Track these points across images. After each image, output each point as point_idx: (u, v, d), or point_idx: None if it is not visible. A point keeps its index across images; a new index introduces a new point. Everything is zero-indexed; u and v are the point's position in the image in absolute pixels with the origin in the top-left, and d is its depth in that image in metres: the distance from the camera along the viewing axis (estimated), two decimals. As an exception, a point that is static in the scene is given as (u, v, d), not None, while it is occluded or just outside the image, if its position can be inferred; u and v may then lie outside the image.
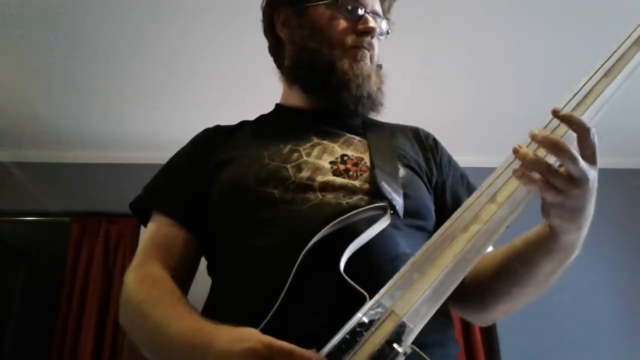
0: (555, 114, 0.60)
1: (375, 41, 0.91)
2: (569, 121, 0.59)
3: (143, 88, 2.46)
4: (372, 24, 0.88)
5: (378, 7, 0.92)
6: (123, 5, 1.96)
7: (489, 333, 2.74)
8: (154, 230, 0.84)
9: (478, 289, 0.81)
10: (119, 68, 2.31)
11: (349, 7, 0.88)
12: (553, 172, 0.58)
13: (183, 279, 0.80)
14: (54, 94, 2.48)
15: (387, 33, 0.95)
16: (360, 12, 0.88)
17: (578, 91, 0.63)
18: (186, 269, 0.82)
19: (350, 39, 0.87)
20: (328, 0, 0.88)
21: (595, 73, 0.64)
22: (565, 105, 0.63)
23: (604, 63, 0.64)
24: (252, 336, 0.57)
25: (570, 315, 2.77)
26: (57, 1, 1.92)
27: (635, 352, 2.72)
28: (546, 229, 0.68)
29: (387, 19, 0.95)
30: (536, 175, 0.58)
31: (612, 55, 0.65)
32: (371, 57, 0.90)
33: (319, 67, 0.87)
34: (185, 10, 1.99)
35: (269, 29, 0.96)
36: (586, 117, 0.61)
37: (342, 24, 0.88)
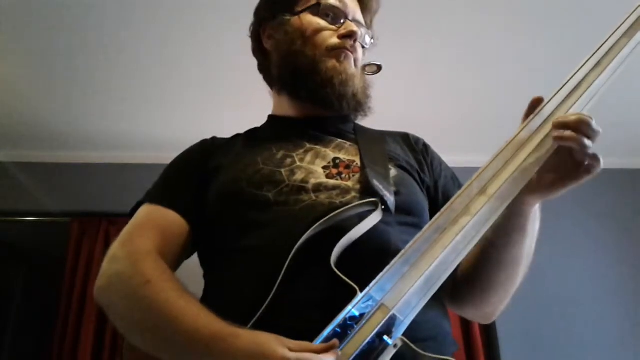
0: (555, 123, 0.63)
1: (358, 46, 0.93)
2: (567, 125, 0.62)
3: (143, 88, 2.46)
4: (353, 28, 0.90)
5: (360, 17, 0.95)
6: (124, 6, 1.96)
7: (489, 333, 2.74)
8: (149, 212, 0.82)
9: (468, 286, 0.82)
10: (120, 68, 2.31)
11: (331, 14, 0.91)
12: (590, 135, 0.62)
13: (172, 265, 0.78)
14: (55, 94, 2.48)
15: (371, 43, 0.97)
16: (342, 20, 0.91)
17: (566, 83, 0.66)
18: (177, 255, 0.81)
19: (332, 41, 0.89)
20: (310, 7, 0.91)
21: (585, 64, 0.65)
22: (554, 96, 0.65)
23: (594, 54, 0.65)
24: (271, 350, 0.56)
25: (571, 315, 2.76)
26: (58, 2, 1.92)
27: (636, 352, 2.72)
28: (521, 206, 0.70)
29: (368, 28, 0.97)
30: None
31: (601, 46, 0.66)
32: (355, 61, 0.92)
33: (303, 67, 0.88)
34: (187, 11, 1.99)
35: (257, 46, 0.99)
36: (577, 109, 0.64)
37: (325, 27, 0.90)
